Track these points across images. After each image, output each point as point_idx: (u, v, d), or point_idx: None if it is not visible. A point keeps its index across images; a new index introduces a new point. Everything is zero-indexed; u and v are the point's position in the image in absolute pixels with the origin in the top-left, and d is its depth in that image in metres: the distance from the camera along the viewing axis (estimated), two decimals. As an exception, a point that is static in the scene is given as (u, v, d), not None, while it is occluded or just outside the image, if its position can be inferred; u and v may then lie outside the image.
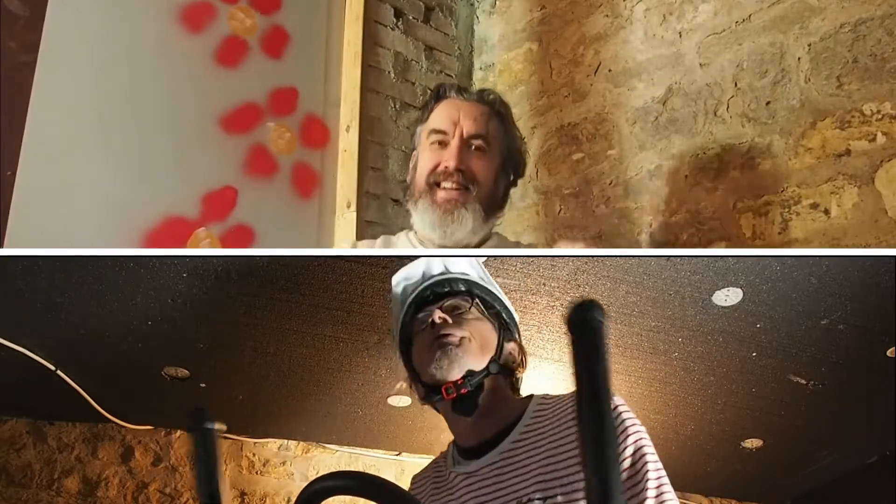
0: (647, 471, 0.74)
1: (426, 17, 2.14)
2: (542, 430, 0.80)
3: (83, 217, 1.46)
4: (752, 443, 1.92)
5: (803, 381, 1.64)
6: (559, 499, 0.74)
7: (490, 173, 1.27)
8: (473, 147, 1.25)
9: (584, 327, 0.48)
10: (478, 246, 1.29)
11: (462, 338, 0.87)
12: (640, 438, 0.77)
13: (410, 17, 2.08)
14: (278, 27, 1.83)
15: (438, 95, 1.32)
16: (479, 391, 0.85)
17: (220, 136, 1.68)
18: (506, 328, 0.94)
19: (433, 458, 0.99)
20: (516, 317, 0.99)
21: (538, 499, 0.75)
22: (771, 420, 1.81)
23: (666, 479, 0.75)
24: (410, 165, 1.35)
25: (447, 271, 0.96)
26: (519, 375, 0.93)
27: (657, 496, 0.73)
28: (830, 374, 1.61)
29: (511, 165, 1.33)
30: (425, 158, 1.28)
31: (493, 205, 1.28)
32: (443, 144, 1.26)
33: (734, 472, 2.05)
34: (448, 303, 0.91)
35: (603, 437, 0.46)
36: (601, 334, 0.48)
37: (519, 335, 0.98)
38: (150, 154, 1.57)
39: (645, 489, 0.73)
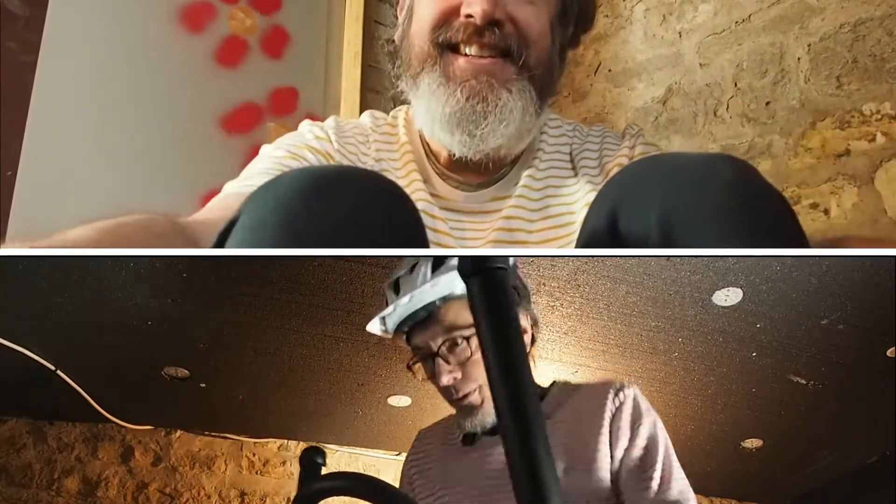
0: (657, 452, 0.75)
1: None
2: (563, 417, 0.80)
3: (83, 217, 1.46)
4: (752, 443, 1.92)
5: (803, 381, 1.64)
6: (583, 465, 0.74)
7: (545, 25, 0.80)
8: None
9: (482, 277, 0.41)
10: (518, 157, 0.88)
11: (479, 388, 0.79)
12: (655, 424, 0.79)
13: (410, 18, 2.09)
14: (278, 27, 1.84)
15: None
16: None
17: (221, 136, 1.69)
18: None
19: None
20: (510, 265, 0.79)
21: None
22: (771, 420, 1.81)
23: (676, 464, 0.76)
24: (401, 14, 0.86)
25: (419, 291, 0.76)
26: (532, 353, 0.83)
27: (662, 475, 0.74)
28: (830, 374, 1.61)
29: (573, 9, 0.85)
30: (428, 2, 0.80)
31: (549, 82, 0.83)
32: None
33: (734, 472, 2.06)
34: (447, 343, 0.78)
35: (524, 412, 0.38)
36: (504, 283, 0.40)
37: (523, 296, 0.82)
38: (150, 154, 1.57)
39: (652, 469, 0.74)
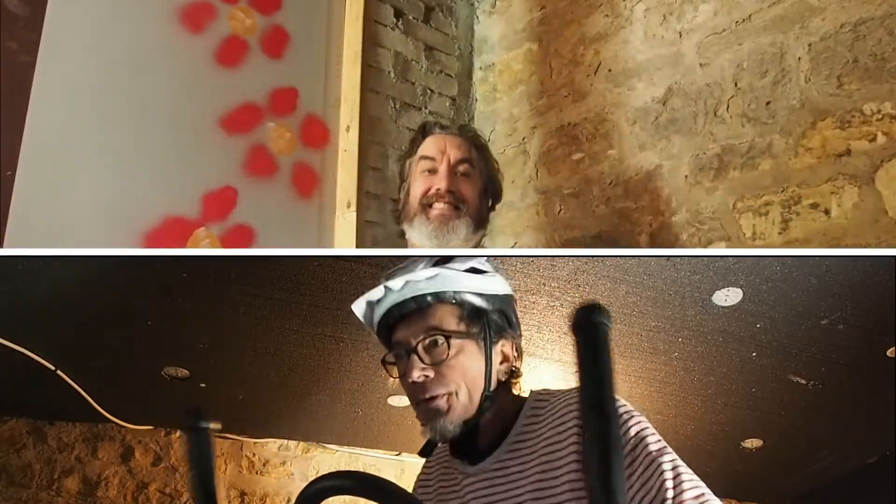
0: (655, 454, 0.71)
1: (426, 17, 2.14)
2: (538, 432, 0.79)
3: (83, 217, 1.46)
4: (752, 443, 1.92)
5: (803, 381, 1.64)
6: (551, 497, 0.73)
7: (476, 193, 1.44)
8: (460, 172, 1.42)
9: (590, 331, 0.48)
10: None
11: (448, 395, 0.78)
12: (642, 426, 0.74)
13: (410, 17, 2.08)
14: (278, 27, 1.83)
15: (425, 131, 1.50)
16: (476, 429, 0.80)
17: (221, 137, 1.68)
18: (492, 331, 0.82)
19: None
20: (505, 294, 0.85)
21: (531, 499, 0.75)
22: (771, 420, 1.81)
23: (679, 461, 0.72)
24: (401, 194, 1.50)
25: (412, 283, 0.81)
26: (515, 380, 0.85)
27: (673, 472, 0.70)
28: (830, 374, 1.62)
29: (490, 190, 1.51)
30: (417, 185, 1.43)
31: (480, 221, 1.44)
32: (432, 172, 1.42)
33: (734, 472, 2.06)
34: (426, 340, 0.79)
35: (608, 443, 0.45)
36: (606, 338, 0.48)
37: (514, 326, 0.85)
38: (150, 154, 1.57)
39: (658, 471, 0.70)
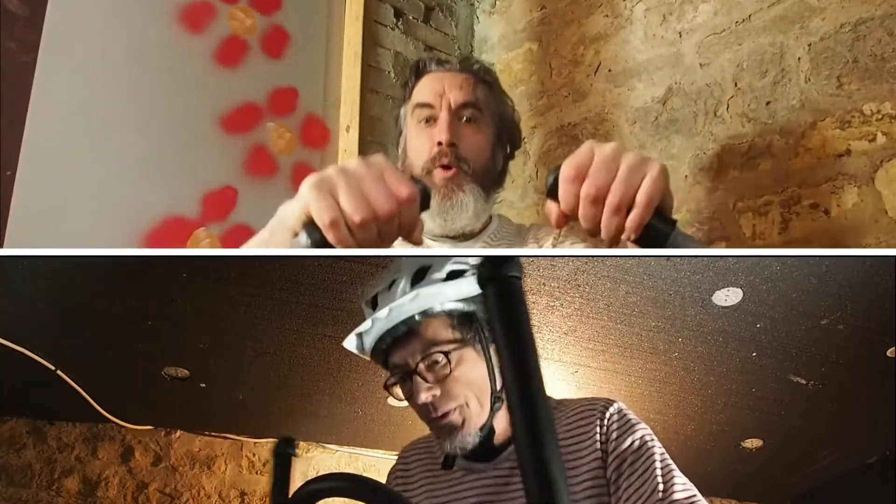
0: (654, 459, 0.73)
1: (426, 17, 2.14)
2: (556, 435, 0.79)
3: (83, 217, 1.46)
4: (752, 443, 1.92)
5: (803, 381, 1.64)
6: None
7: (485, 146, 1.18)
8: (464, 118, 1.16)
9: (500, 284, 0.43)
10: (481, 231, 1.22)
11: (459, 408, 0.77)
12: (646, 433, 0.76)
13: (410, 17, 2.08)
14: (278, 27, 1.83)
15: (419, 71, 1.23)
16: (492, 431, 0.79)
17: (221, 136, 1.68)
18: (485, 330, 0.80)
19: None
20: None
21: None
22: (771, 420, 1.81)
23: (673, 465, 0.74)
24: (399, 150, 1.26)
25: (396, 308, 0.78)
26: None
27: (664, 476, 0.72)
28: (830, 374, 1.61)
29: (506, 135, 1.25)
30: (415, 140, 1.19)
31: (492, 181, 1.20)
32: (431, 121, 1.17)
33: (734, 472, 2.05)
34: (426, 360, 0.77)
35: (536, 418, 0.39)
36: (518, 291, 0.43)
37: None
38: (150, 154, 1.57)
39: (653, 474, 0.72)
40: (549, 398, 0.85)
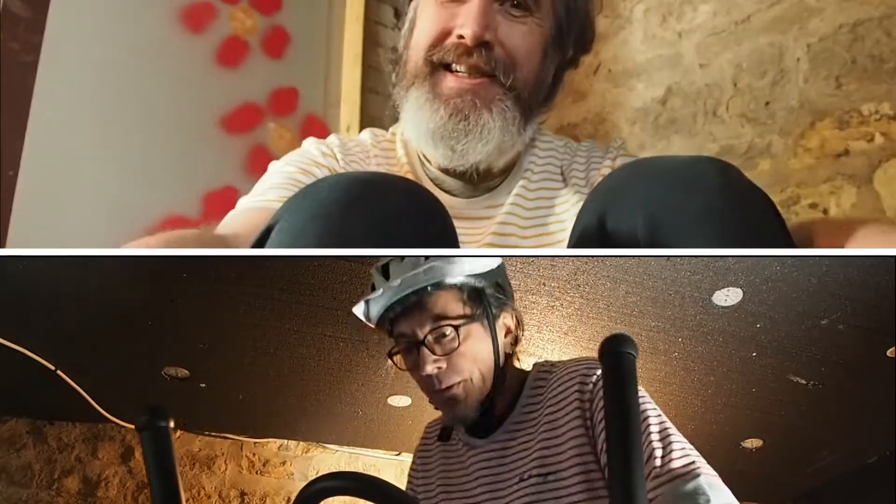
0: (648, 422, 0.72)
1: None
2: (542, 405, 0.79)
3: (84, 217, 1.46)
4: (752, 443, 1.92)
5: (803, 381, 1.64)
6: (557, 472, 0.74)
7: (535, 48, 0.84)
8: (508, 4, 0.82)
9: (617, 359, 0.50)
10: (506, 172, 0.95)
11: (463, 383, 0.77)
12: (645, 402, 0.75)
13: (410, 18, 2.09)
14: (278, 27, 1.84)
15: None
16: (492, 405, 0.79)
17: (221, 137, 1.69)
18: (493, 307, 0.78)
19: None
20: (496, 265, 0.79)
21: (537, 475, 0.75)
22: (771, 420, 1.81)
23: (671, 428, 0.73)
24: (402, 31, 0.91)
25: (408, 278, 0.75)
26: (517, 351, 0.82)
27: (662, 441, 0.71)
28: (830, 374, 1.61)
29: (572, 34, 0.88)
30: (427, 19, 0.85)
31: (536, 101, 0.87)
32: (456, 1, 0.83)
33: (734, 472, 2.05)
34: (435, 332, 0.76)
35: (631, 471, 0.47)
36: (632, 367, 0.49)
37: (509, 295, 0.81)
38: (151, 154, 1.57)
39: (648, 439, 0.70)
40: (545, 362, 0.84)
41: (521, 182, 0.95)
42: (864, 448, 1.99)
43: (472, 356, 0.77)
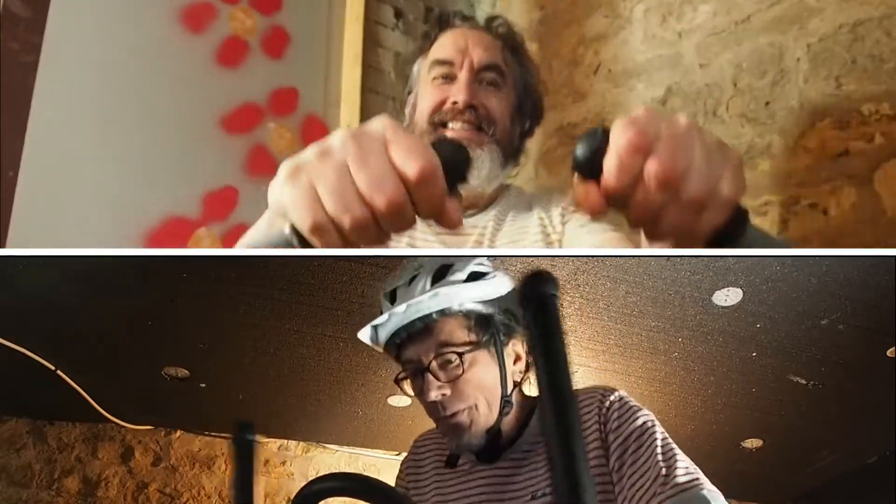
0: (655, 443, 0.72)
1: (426, 17, 2.14)
2: None
3: (84, 217, 1.46)
4: (752, 443, 1.92)
5: (803, 381, 1.64)
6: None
7: (506, 112, 1.09)
8: (485, 81, 1.07)
9: (538, 302, 0.46)
10: (491, 199, 1.14)
11: (469, 409, 0.77)
12: (647, 419, 0.74)
13: (410, 18, 2.09)
14: (278, 27, 1.84)
15: (442, 24, 1.14)
16: (499, 433, 0.79)
17: (221, 137, 1.69)
18: (501, 334, 0.79)
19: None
20: (507, 291, 0.81)
21: (550, 493, 0.74)
22: (771, 420, 1.81)
23: (676, 449, 0.72)
24: (407, 108, 1.16)
25: (414, 304, 0.77)
26: (527, 377, 0.83)
27: (665, 459, 0.70)
28: (830, 374, 1.62)
29: (528, 107, 1.15)
30: (427, 96, 1.09)
31: (511, 151, 1.11)
32: (449, 79, 1.07)
33: (734, 472, 2.06)
34: (439, 359, 0.76)
35: (567, 423, 0.43)
36: (555, 308, 0.45)
37: (520, 322, 0.81)
38: (151, 154, 1.57)
39: (655, 459, 0.70)
40: None
41: (499, 207, 1.15)
42: (864, 448, 1.99)
43: (478, 383, 0.78)
